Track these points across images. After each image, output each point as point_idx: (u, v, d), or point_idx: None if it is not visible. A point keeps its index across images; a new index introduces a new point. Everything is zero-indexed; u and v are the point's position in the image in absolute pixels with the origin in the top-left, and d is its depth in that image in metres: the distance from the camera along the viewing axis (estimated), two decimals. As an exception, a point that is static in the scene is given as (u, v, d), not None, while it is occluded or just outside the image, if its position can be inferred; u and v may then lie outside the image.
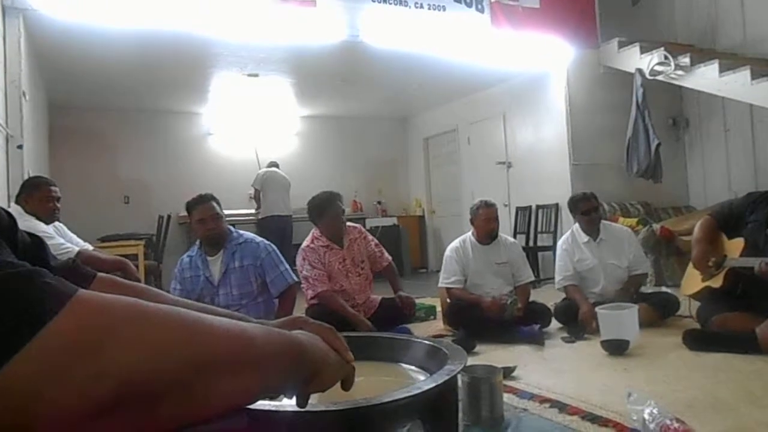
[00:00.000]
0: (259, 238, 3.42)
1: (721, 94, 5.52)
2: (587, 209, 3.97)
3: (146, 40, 5.04)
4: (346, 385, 0.77)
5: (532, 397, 2.34)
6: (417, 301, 4.69)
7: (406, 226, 8.58)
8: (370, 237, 3.94)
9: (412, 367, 1.87)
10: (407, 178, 9.63)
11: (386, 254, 3.92)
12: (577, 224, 4.08)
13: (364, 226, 8.18)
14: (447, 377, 1.51)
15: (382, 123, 9.31)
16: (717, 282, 3.18)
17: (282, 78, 6.74)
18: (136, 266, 4.71)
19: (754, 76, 5.09)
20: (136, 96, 7.06)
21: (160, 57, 5.61)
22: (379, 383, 1.69)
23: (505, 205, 7.24)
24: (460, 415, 2.07)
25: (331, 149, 8.93)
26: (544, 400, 2.28)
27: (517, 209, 7.10)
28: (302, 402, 0.73)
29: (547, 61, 6.55)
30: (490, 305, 3.61)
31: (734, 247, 3.20)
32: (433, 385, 1.48)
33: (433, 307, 4.54)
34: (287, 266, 3.37)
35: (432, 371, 1.62)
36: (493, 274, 3.87)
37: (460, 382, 2.12)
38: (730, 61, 5.53)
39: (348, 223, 3.80)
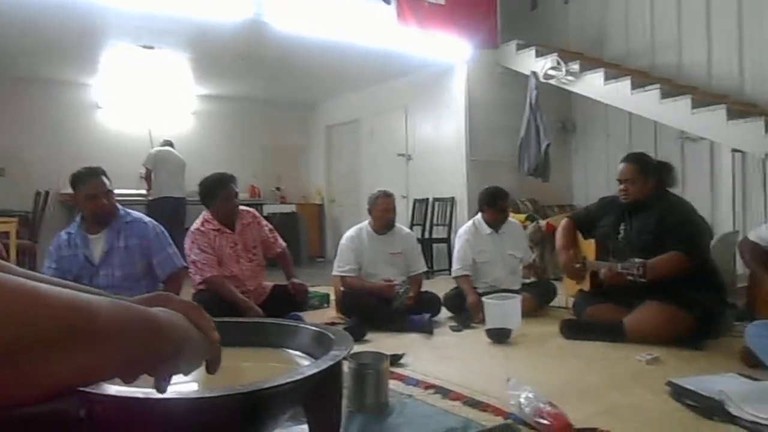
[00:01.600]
0: (147, 218, 3.24)
1: (604, 101, 5.91)
2: (504, 206, 4.15)
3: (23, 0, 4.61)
4: (212, 367, 0.72)
5: (417, 383, 2.38)
6: (311, 289, 4.65)
7: (304, 214, 8.50)
8: (264, 222, 3.85)
9: (298, 353, 1.83)
10: (308, 165, 9.53)
11: (280, 240, 3.84)
12: (479, 216, 4.21)
13: (262, 213, 8.02)
14: (330, 363, 1.49)
15: (284, 108, 9.14)
16: (586, 285, 3.42)
17: (179, 53, 6.41)
18: (6, 246, 4.33)
19: (634, 86, 5.49)
20: (12, 61, 6.44)
21: (40, 21, 5.14)
22: (264, 369, 1.65)
23: (404, 197, 7.35)
24: (345, 402, 2.07)
25: (230, 131, 8.64)
26: (428, 386, 2.33)
27: (415, 201, 7.23)
28: (161, 386, 0.68)
29: (450, 58, 6.70)
30: (383, 288, 3.66)
31: (589, 248, 3.45)
32: (316, 370, 1.45)
33: (327, 295, 4.53)
34: (176, 249, 3.22)
35: (318, 357, 1.60)
36: (388, 263, 3.91)
37: (346, 369, 2.12)
38: (614, 71, 5.93)
39: (241, 207, 3.69)
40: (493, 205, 4.11)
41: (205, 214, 3.61)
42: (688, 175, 6.17)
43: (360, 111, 8.39)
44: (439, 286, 4.36)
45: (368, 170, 8.22)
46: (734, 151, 5.12)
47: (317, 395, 1.50)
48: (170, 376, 0.67)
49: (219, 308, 3.04)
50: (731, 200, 5.24)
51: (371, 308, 3.58)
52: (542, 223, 5.70)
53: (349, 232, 4.00)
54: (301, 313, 3.65)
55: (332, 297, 4.28)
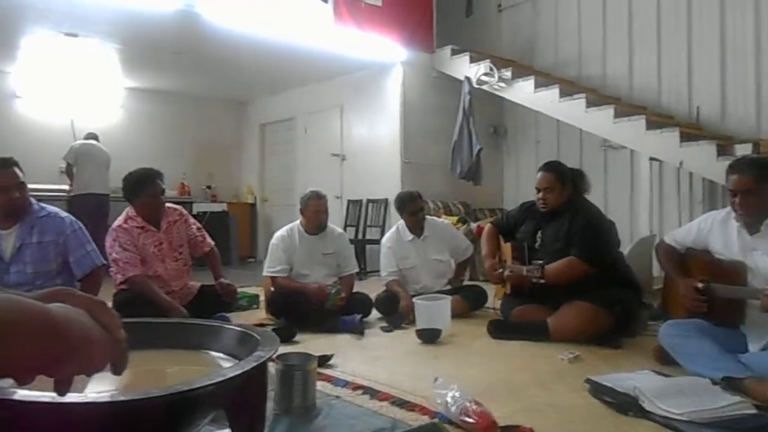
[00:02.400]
0: (64, 213, 3.07)
1: (534, 108, 6.09)
2: (414, 210, 4.12)
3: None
4: (117, 368, 0.68)
5: (346, 384, 2.37)
6: (241, 289, 4.55)
7: (236, 214, 8.34)
8: (192, 220, 3.73)
9: (221, 355, 1.78)
10: (240, 164, 9.35)
11: (208, 239, 3.73)
12: (402, 222, 4.23)
13: (192, 211, 7.80)
14: (254, 364, 1.45)
15: (217, 104, 8.93)
16: (508, 288, 3.52)
17: (106, 42, 6.14)
18: None
19: (562, 95, 5.69)
20: None
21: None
22: (185, 371, 1.59)
23: (338, 198, 7.32)
24: (271, 404, 2.03)
25: (159, 127, 8.35)
26: (357, 387, 2.32)
27: (349, 202, 7.22)
28: (61, 389, 0.63)
29: (386, 60, 6.73)
30: (315, 292, 3.61)
31: (507, 251, 3.57)
32: (238, 372, 1.41)
33: (257, 296, 4.45)
34: (95, 247, 3.07)
35: (242, 358, 1.55)
36: (320, 264, 3.87)
37: (273, 371, 2.08)
38: (544, 79, 6.13)
39: (168, 205, 3.56)
40: (403, 210, 4.13)
41: (128, 210, 3.46)
42: (610, 181, 6.46)
43: (295, 109, 8.30)
44: (372, 288, 4.35)
45: (302, 170, 8.14)
46: (652, 159, 5.39)
47: (239, 398, 1.45)
48: (70, 378, 0.63)
49: (141, 309, 2.92)
50: (649, 206, 5.52)
51: (301, 309, 3.53)
52: (473, 225, 5.81)
53: (281, 232, 3.94)
54: (228, 314, 3.55)
55: (262, 298, 4.21)
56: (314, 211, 3.85)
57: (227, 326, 1.89)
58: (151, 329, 1.68)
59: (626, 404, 2.02)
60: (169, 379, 1.65)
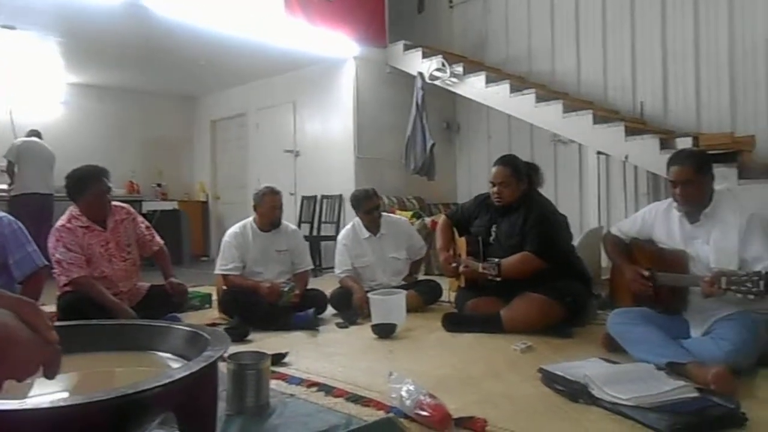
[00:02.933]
0: (2, 213, 2.93)
1: (486, 103, 6.16)
2: (369, 208, 4.11)
3: None
4: (49, 371, 0.65)
5: (300, 382, 2.35)
6: (193, 289, 4.46)
7: (187, 212, 8.18)
8: (141, 219, 3.63)
9: (170, 355, 1.73)
10: (192, 161, 9.16)
11: (157, 238, 3.64)
12: (358, 219, 4.21)
13: (141, 210, 7.60)
14: (203, 364, 1.42)
15: (166, 100, 8.71)
16: (462, 282, 3.56)
17: (46, 35, 5.88)
18: None
19: (512, 90, 5.78)
20: None
21: None
22: (131, 373, 1.54)
23: (291, 194, 7.26)
24: (223, 404, 1.99)
25: (105, 123, 8.09)
26: (312, 384, 2.30)
27: (303, 198, 7.16)
28: (-8, 395, 0.60)
29: (338, 55, 6.70)
30: (268, 291, 3.56)
31: (462, 245, 3.60)
32: (187, 373, 1.37)
33: (209, 296, 4.36)
34: (36, 248, 2.94)
35: (191, 359, 1.52)
36: (273, 261, 3.83)
37: (225, 371, 2.04)
38: (495, 75, 6.21)
39: (114, 203, 3.45)
40: (359, 208, 4.11)
41: (72, 209, 3.34)
42: (560, 175, 6.61)
43: (247, 105, 8.18)
44: (327, 284, 4.33)
45: (255, 166, 8.03)
46: (599, 153, 5.54)
47: (189, 399, 1.42)
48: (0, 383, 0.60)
49: (87, 311, 2.84)
50: (597, 198, 5.68)
51: (254, 307, 3.48)
52: (427, 220, 5.85)
53: (233, 229, 3.88)
54: (179, 315, 3.48)
55: (215, 297, 4.13)
56: (269, 207, 3.80)
57: (175, 326, 1.84)
58: (97, 331, 1.63)
59: (576, 392, 2.06)
60: (116, 381, 1.60)
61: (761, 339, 2.38)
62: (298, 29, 6.01)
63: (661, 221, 2.70)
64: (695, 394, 1.92)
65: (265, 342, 3.05)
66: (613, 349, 2.67)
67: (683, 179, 2.51)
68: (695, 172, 2.50)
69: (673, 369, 2.24)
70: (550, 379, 2.24)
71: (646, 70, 5.99)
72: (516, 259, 3.23)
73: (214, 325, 3.40)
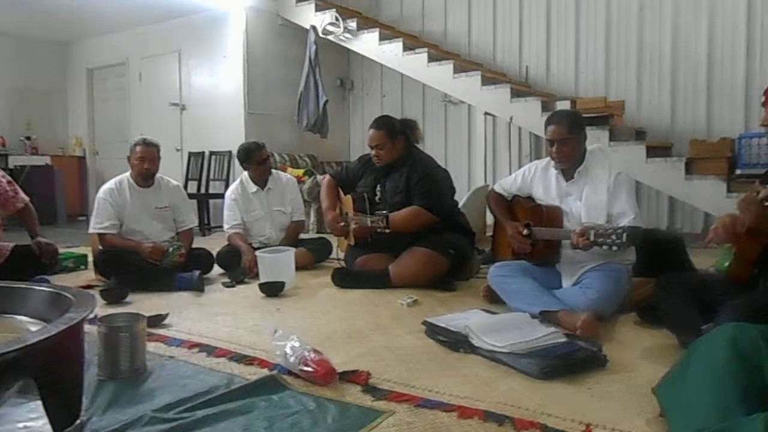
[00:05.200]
0: None
1: (379, 60, 6.12)
2: (261, 158, 4.01)
3: None
4: None
5: (181, 343, 2.26)
6: (67, 249, 4.16)
7: (62, 168, 7.60)
8: (1, 173, 3.29)
9: (29, 319, 1.62)
10: (66, 112, 8.41)
11: (22, 194, 3.32)
12: (246, 174, 4.09)
13: (7, 165, 6.92)
14: (63, 327, 1.32)
15: (36, 45, 7.88)
16: (351, 240, 3.56)
17: None
18: None
19: (405, 49, 5.77)
20: None
21: None
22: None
23: (178, 150, 6.91)
24: (95, 369, 1.88)
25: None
26: (193, 345, 2.22)
27: (190, 154, 6.82)
28: None
29: (227, 4, 6.35)
30: (151, 251, 3.38)
31: (348, 203, 3.62)
32: (43, 337, 1.28)
33: (84, 256, 4.08)
34: None
35: (52, 321, 1.41)
36: (153, 218, 3.62)
37: (96, 333, 1.92)
38: (389, 32, 6.17)
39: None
40: (250, 159, 4.03)
41: None
42: (450, 134, 6.77)
43: (127, 53, 7.59)
44: (216, 243, 4.19)
45: (138, 120, 7.50)
46: (486, 114, 5.70)
47: (48, 365, 1.32)
48: None
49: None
50: (483, 157, 5.87)
51: (134, 267, 3.29)
52: (320, 178, 5.78)
53: (108, 185, 3.61)
54: (49, 277, 3.23)
55: (91, 258, 3.86)
56: (138, 158, 3.55)
57: (36, 288, 1.70)
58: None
59: (458, 342, 2.15)
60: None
61: (623, 288, 2.59)
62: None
63: (539, 178, 2.83)
64: (563, 340, 2.05)
65: (145, 303, 2.91)
66: (493, 300, 2.81)
67: (559, 137, 2.64)
68: (569, 131, 2.63)
69: (546, 317, 2.39)
70: (433, 331, 2.31)
71: (532, 35, 6.20)
72: (406, 213, 3.27)
73: (88, 287, 3.18)
